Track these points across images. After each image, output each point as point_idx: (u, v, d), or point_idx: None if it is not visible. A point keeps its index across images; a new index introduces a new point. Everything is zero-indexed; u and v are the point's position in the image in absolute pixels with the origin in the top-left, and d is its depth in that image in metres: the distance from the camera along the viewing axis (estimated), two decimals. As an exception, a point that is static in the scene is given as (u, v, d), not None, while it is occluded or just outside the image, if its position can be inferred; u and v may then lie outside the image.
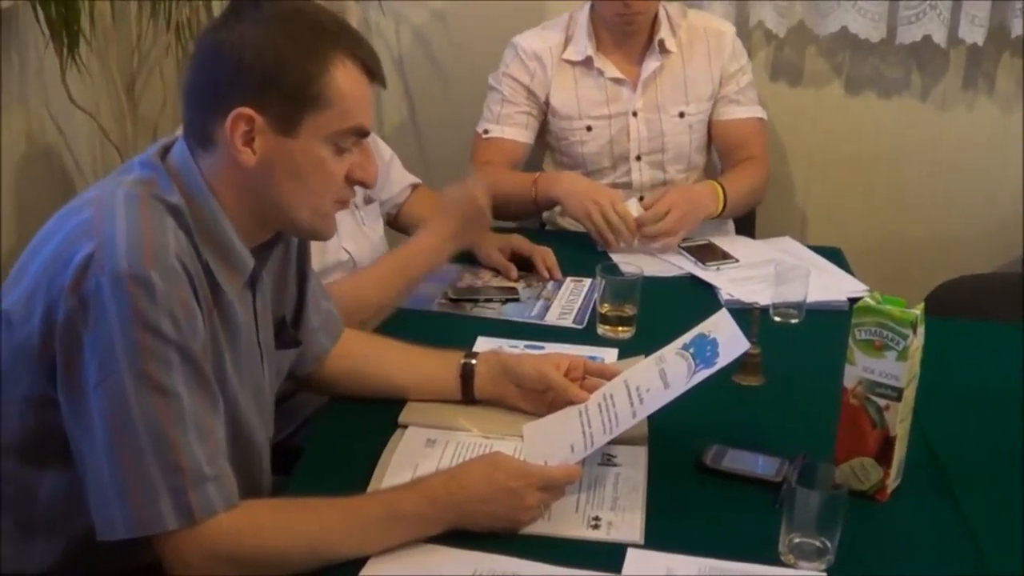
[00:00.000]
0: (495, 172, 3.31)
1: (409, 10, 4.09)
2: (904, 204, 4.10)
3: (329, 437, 2.20)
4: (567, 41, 3.38)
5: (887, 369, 1.91)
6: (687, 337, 2.12)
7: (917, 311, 1.90)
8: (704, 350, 2.05)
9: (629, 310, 2.58)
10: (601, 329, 2.60)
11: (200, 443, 1.70)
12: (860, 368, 1.94)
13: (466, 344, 2.43)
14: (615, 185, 3.38)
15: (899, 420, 1.94)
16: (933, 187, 4.04)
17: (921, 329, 1.92)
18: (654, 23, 3.34)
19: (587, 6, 3.38)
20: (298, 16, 1.80)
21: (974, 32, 3.75)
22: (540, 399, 2.20)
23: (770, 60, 4.01)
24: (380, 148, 2.99)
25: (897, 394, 1.92)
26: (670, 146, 3.40)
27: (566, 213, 3.23)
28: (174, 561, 1.71)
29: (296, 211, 1.86)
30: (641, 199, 3.33)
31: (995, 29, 3.78)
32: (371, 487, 1.95)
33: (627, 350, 2.47)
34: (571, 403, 2.15)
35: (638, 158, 3.40)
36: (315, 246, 2.30)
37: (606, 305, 2.59)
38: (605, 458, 2.05)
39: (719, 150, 3.52)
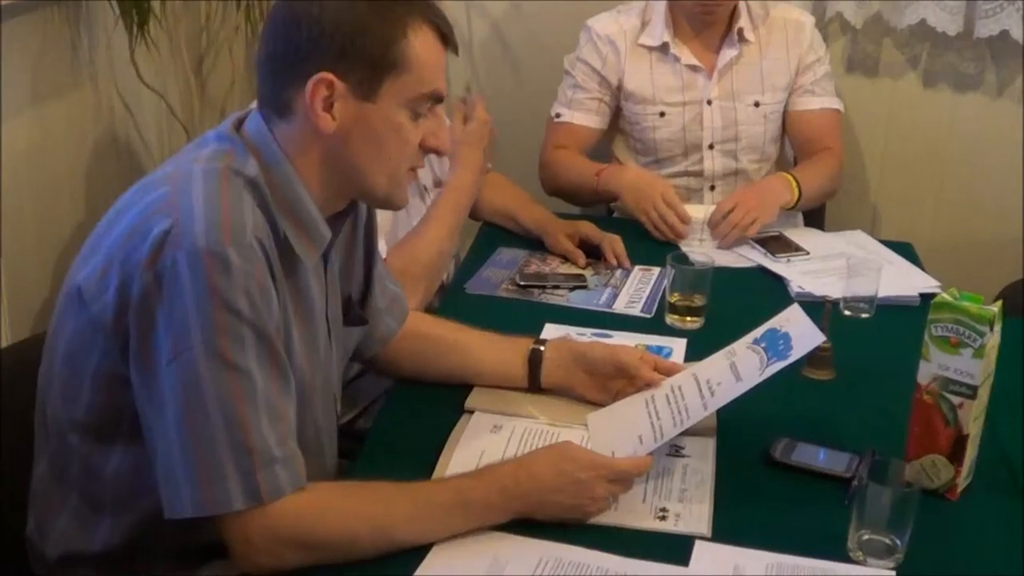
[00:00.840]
0: (564, 158, 3.34)
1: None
2: (977, 201, 4.04)
3: (393, 422, 2.20)
4: (643, 26, 3.36)
5: (962, 366, 1.89)
6: (758, 332, 2.10)
7: (995, 308, 1.88)
8: (776, 344, 2.03)
9: (699, 300, 2.56)
10: (670, 319, 2.58)
11: (270, 424, 1.69)
12: (935, 365, 1.91)
13: (533, 331, 2.41)
14: (687, 173, 3.38)
15: (972, 418, 1.91)
16: (1007, 185, 3.96)
17: (998, 327, 1.89)
18: (733, 12, 3.32)
19: (665, -6, 3.36)
20: None
21: (1052, 27, 3.68)
22: (607, 389, 2.18)
23: (846, 52, 3.96)
24: (452, 132, 2.98)
25: (972, 392, 1.89)
26: (744, 135, 3.37)
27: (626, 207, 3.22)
28: (239, 542, 1.71)
29: (373, 178, 1.86)
30: (712, 188, 3.32)
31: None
32: (436, 472, 1.95)
33: (696, 341, 2.46)
34: (642, 387, 2.14)
35: (711, 146, 3.38)
36: (386, 230, 2.29)
37: (676, 294, 2.57)
38: (673, 449, 2.04)
39: (794, 141, 3.49)
